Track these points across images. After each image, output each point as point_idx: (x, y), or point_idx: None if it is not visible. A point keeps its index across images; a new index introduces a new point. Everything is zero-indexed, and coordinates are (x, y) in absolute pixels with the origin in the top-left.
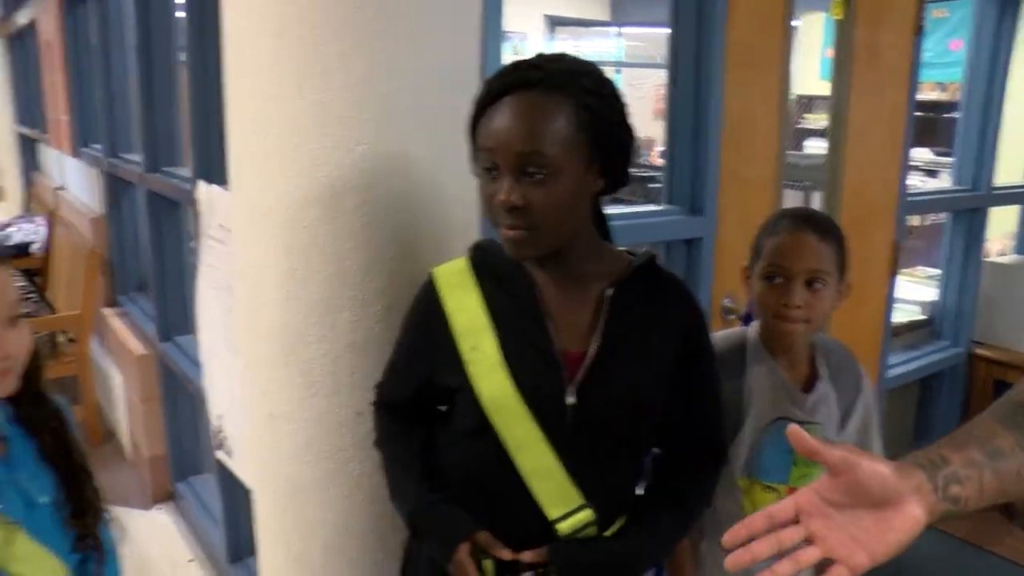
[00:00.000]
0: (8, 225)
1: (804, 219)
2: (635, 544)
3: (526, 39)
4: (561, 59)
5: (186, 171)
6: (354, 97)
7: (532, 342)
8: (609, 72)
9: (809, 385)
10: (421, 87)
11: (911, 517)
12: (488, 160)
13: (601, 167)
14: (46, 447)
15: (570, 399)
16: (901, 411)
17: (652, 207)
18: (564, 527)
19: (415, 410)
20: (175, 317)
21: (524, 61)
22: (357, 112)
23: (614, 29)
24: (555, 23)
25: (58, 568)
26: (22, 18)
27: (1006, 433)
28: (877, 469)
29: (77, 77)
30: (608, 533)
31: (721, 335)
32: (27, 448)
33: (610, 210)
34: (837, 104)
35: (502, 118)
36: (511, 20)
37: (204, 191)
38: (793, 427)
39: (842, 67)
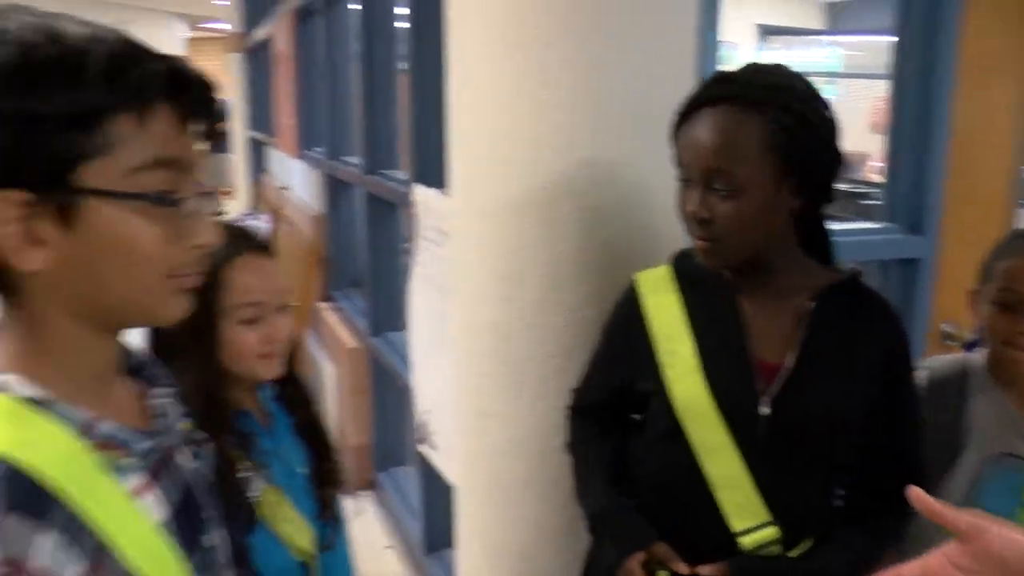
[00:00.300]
0: (237, 221)
1: None
2: (821, 568)
3: (736, 49)
4: (765, 72)
5: (403, 174)
6: (572, 105)
7: (729, 349)
8: (821, 84)
9: None
10: (637, 95)
11: None
12: (682, 171)
13: (797, 185)
14: (301, 424)
15: (764, 409)
16: None
17: (869, 224)
18: (747, 541)
19: (609, 416)
20: (386, 313)
21: (726, 73)
22: (574, 119)
23: (829, 38)
24: (767, 32)
25: (308, 534)
26: (260, 34)
27: None
28: (1010, 538)
29: (305, 85)
30: (793, 554)
31: (938, 361)
32: (286, 424)
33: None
34: None
35: (695, 131)
36: (723, 29)
37: (421, 194)
38: (915, 490)
39: None
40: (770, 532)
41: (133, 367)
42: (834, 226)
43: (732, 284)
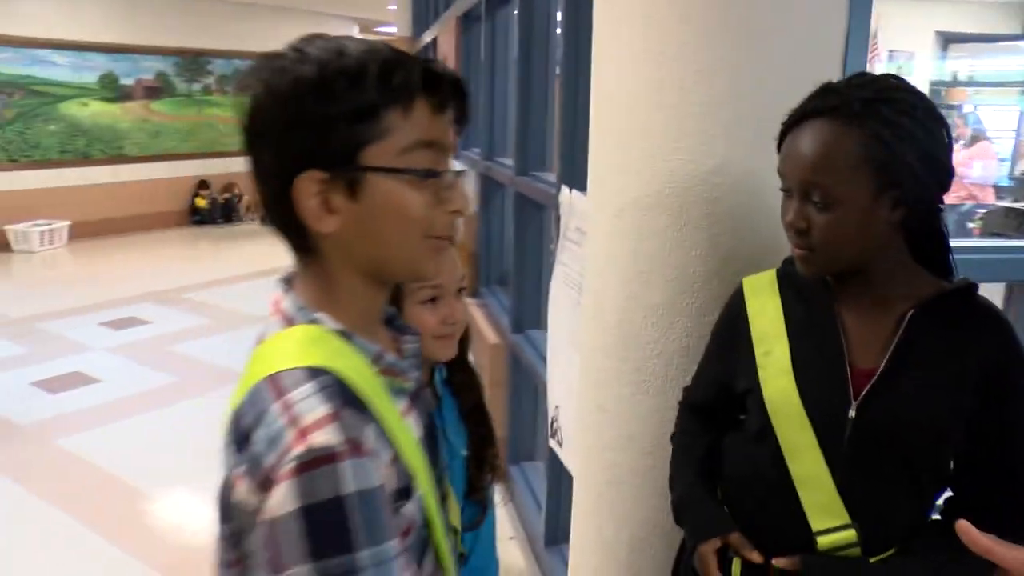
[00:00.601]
0: None
1: None
2: (898, 574)
3: (912, 59)
4: (869, 84)
5: (552, 176)
6: (707, 113)
7: (823, 353)
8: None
9: None
10: (773, 106)
11: None
12: (784, 181)
13: (897, 198)
14: (467, 408)
15: (852, 412)
16: None
17: (1005, 242)
18: (824, 541)
19: (714, 414)
20: (529, 312)
21: (831, 85)
22: (710, 128)
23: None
24: (948, 40)
25: (458, 511)
26: (426, 38)
27: None
28: None
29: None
30: (873, 560)
31: None
32: (452, 407)
33: (982, 243)
34: None
35: (795, 143)
36: (897, 38)
37: (566, 195)
38: (962, 522)
39: None
40: (848, 535)
41: (386, 319)
42: (968, 242)
43: (831, 291)
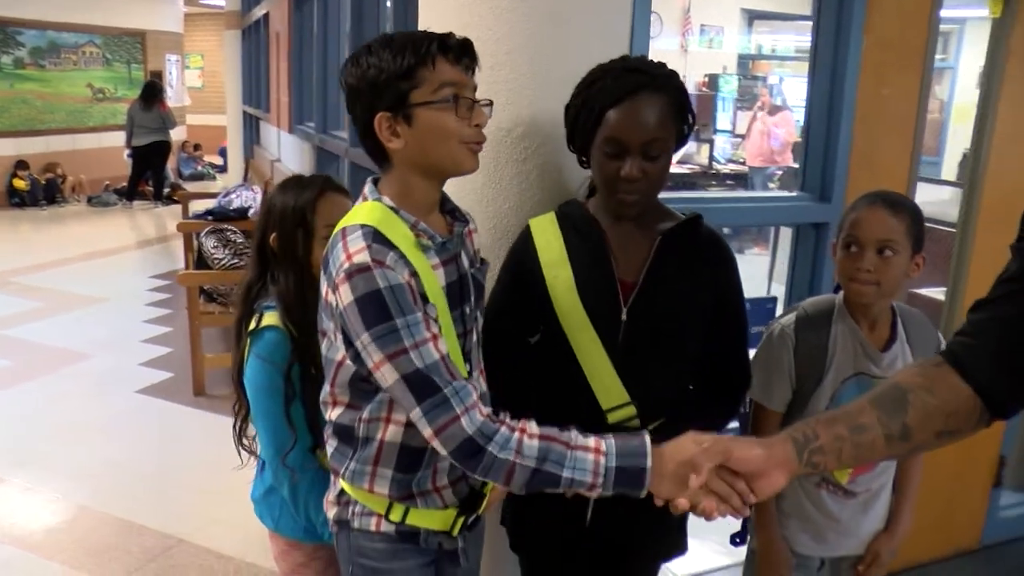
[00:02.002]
0: (230, 192)
1: (879, 196)
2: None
3: (722, 33)
4: (657, 65)
5: None
6: (516, 88)
7: (597, 273)
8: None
9: (887, 346)
10: (570, 81)
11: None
12: (613, 144)
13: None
14: None
15: (624, 316)
16: None
17: (785, 193)
18: (613, 417)
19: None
20: None
21: (635, 65)
22: (517, 99)
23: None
24: (753, 16)
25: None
26: (257, 12)
27: (872, 411)
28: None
29: (298, 63)
30: (649, 428)
31: (813, 299)
32: None
33: (743, 193)
34: (985, 102)
35: (633, 112)
36: (707, 14)
37: None
38: None
39: (994, 65)
40: (629, 410)
41: (448, 209)
42: (758, 193)
43: (600, 226)
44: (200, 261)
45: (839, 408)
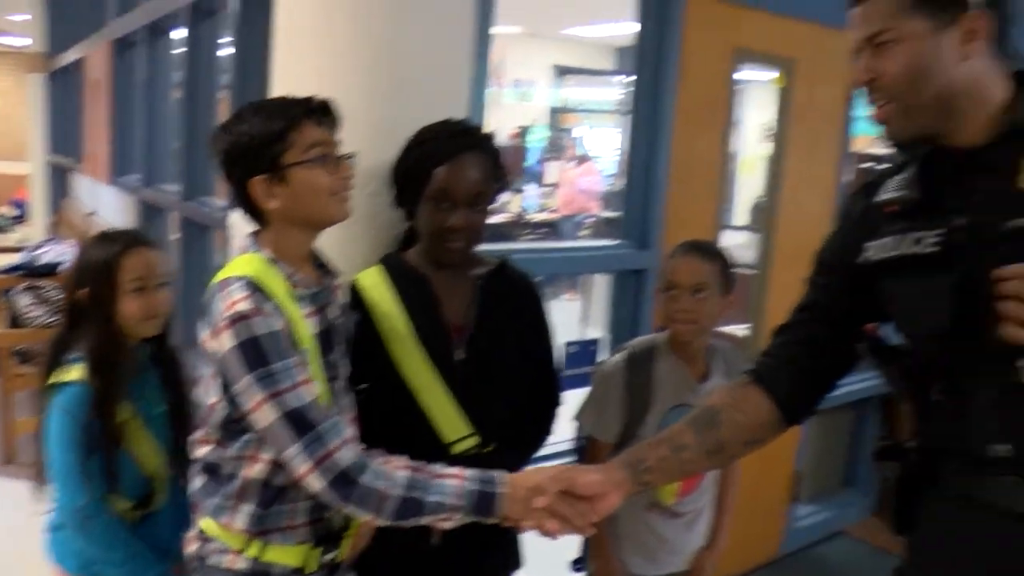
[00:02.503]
0: (39, 246)
1: (692, 245)
2: (503, 460)
3: (534, 86)
4: (475, 127)
5: (218, 200)
6: (359, 140)
7: (430, 318)
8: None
9: (705, 378)
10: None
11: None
12: (444, 195)
13: None
14: (166, 377)
15: (458, 356)
16: (839, 429)
17: (608, 242)
18: (456, 448)
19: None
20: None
21: (462, 127)
22: (363, 150)
23: (618, 78)
24: (563, 71)
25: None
26: (69, 57)
27: (690, 431)
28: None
29: (121, 113)
30: (483, 452)
31: (638, 339)
32: (155, 375)
33: (571, 244)
34: (776, 156)
35: (462, 169)
36: (521, 69)
37: (236, 218)
38: None
39: (782, 125)
40: (471, 440)
41: (318, 264)
42: (582, 243)
43: (426, 275)
44: (13, 319)
45: (666, 431)
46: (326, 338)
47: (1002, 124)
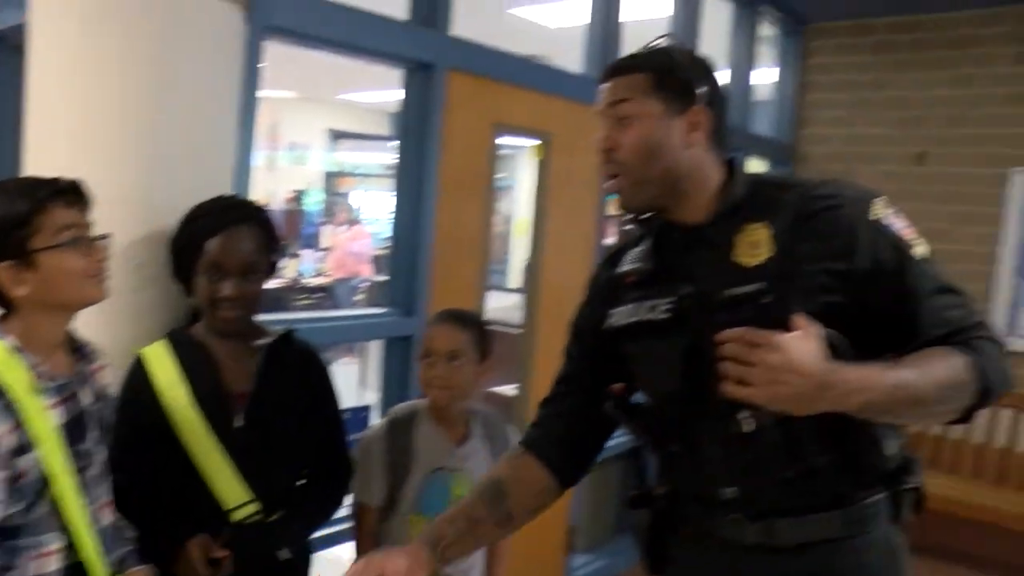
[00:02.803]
0: None
1: (449, 314)
2: (288, 527)
3: (309, 150)
4: (249, 201)
5: None
6: (127, 223)
7: (211, 387)
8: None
9: (463, 441)
10: (181, 206)
11: None
12: (219, 270)
13: None
14: None
15: (238, 423)
16: (607, 481)
17: (376, 310)
18: (237, 515)
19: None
20: None
21: (235, 202)
22: (127, 216)
23: (392, 143)
24: (338, 135)
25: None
26: None
27: (481, 504)
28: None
29: None
30: (269, 520)
31: (400, 405)
32: None
33: (340, 313)
34: (537, 224)
35: (233, 241)
36: (296, 132)
37: None
38: None
39: (541, 195)
40: (252, 507)
41: (76, 347)
42: (349, 312)
43: (210, 345)
44: None
45: (458, 505)
46: (76, 426)
47: (719, 205)
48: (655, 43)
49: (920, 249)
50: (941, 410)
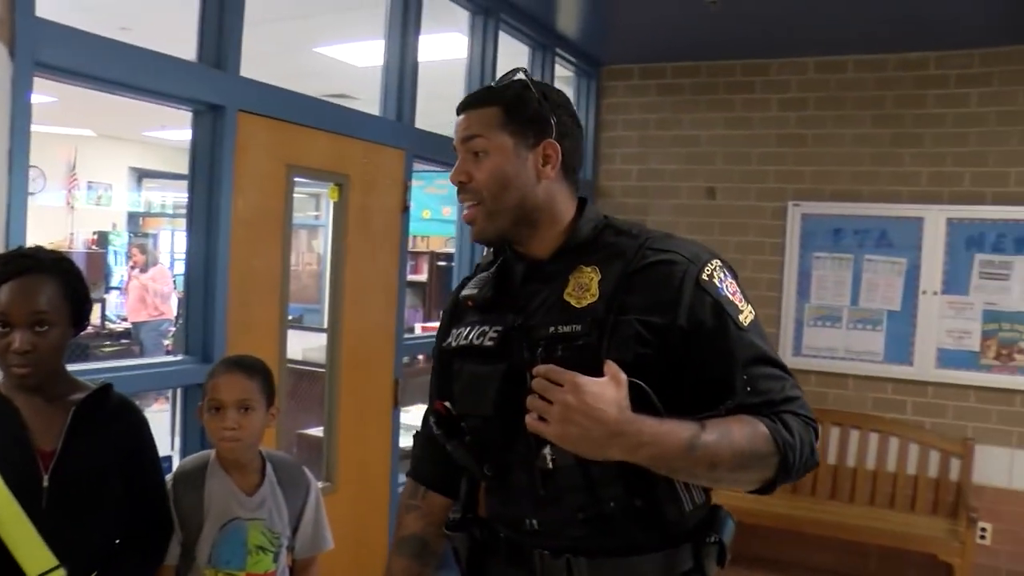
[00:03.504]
0: None
1: (234, 362)
2: None
3: (111, 189)
4: (42, 248)
5: None
6: None
7: (15, 445)
8: None
9: (256, 489)
10: None
11: None
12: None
13: None
14: None
15: (45, 483)
16: None
17: (171, 357)
18: None
19: None
20: None
21: (22, 252)
22: None
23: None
24: (142, 175)
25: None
26: None
27: (414, 562)
28: None
29: None
30: None
31: (190, 457)
32: None
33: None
34: (336, 264)
35: (21, 290)
36: (95, 171)
37: None
38: None
39: (339, 236)
40: (59, 573)
41: None
42: (146, 360)
43: (14, 401)
44: None
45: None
46: None
47: (564, 242)
48: (508, 76)
49: (745, 317)
50: (739, 477)
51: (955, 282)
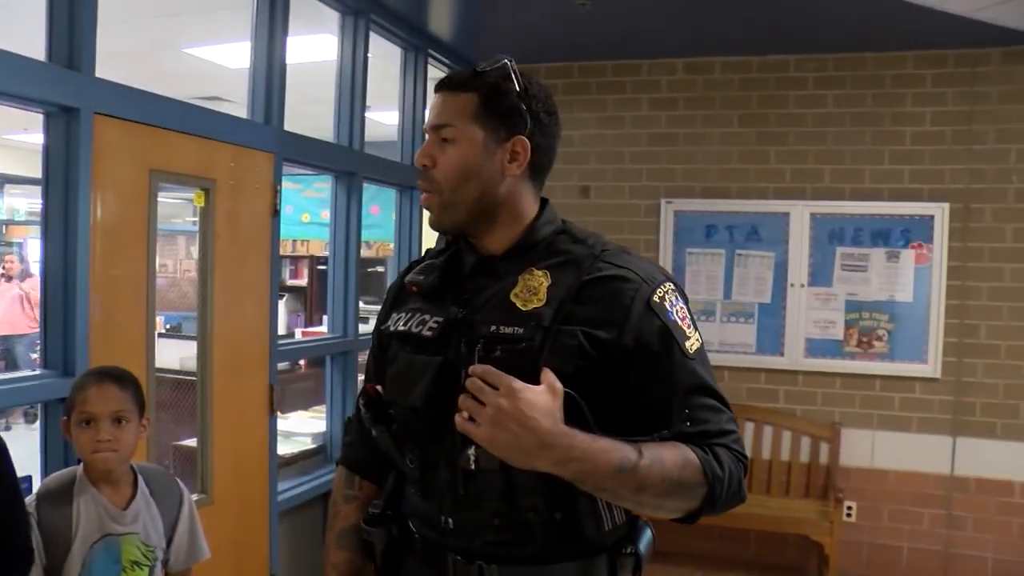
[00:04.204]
0: None
1: (104, 373)
2: None
3: None
4: None
5: None
6: None
7: None
8: None
9: (129, 503)
10: None
11: None
12: None
13: None
14: None
15: None
16: (306, 525)
17: (27, 372)
18: None
19: None
20: None
21: None
22: None
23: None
24: (5, 181)
25: None
26: None
27: (356, 554)
28: None
29: None
30: None
31: (55, 474)
32: None
33: None
34: (203, 271)
35: None
36: None
37: None
38: None
39: (206, 242)
40: None
41: None
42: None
43: None
44: None
45: (338, 569)
46: None
47: (519, 241)
48: (494, 61)
49: (692, 344)
50: (664, 504)
51: (820, 274)
